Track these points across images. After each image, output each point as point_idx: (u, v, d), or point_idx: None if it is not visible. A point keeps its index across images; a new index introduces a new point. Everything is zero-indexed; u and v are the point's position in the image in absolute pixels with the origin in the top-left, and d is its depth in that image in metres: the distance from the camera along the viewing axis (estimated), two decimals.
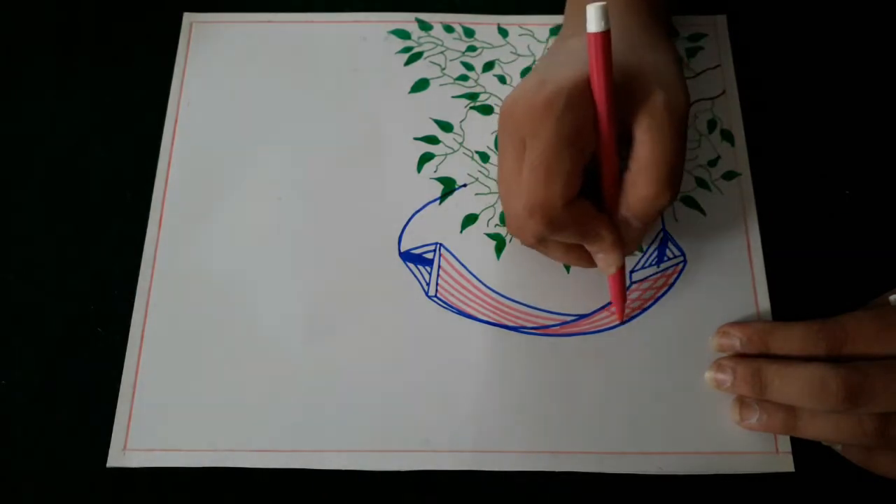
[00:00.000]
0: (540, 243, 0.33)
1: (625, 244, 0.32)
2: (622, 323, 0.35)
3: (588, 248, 0.33)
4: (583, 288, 0.36)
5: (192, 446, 0.33)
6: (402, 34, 0.42)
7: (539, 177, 0.30)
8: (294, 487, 0.33)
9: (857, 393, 0.29)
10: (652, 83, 0.30)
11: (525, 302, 0.36)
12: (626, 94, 0.30)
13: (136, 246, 0.37)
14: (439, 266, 0.37)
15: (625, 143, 0.31)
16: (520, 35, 0.42)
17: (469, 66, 0.41)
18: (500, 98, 0.40)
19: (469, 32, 0.42)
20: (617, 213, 0.32)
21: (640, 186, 0.30)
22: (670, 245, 0.37)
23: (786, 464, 0.33)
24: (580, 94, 0.29)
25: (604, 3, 0.28)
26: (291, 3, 0.43)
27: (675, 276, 0.36)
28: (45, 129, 0.40)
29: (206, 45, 0.42)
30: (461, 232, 0.37)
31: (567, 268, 0.37)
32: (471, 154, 0.39)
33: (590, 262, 0.34)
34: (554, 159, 0.29)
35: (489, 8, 0.43)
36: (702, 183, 0.39)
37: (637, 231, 0.32)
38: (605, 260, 0.33)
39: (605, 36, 0.28)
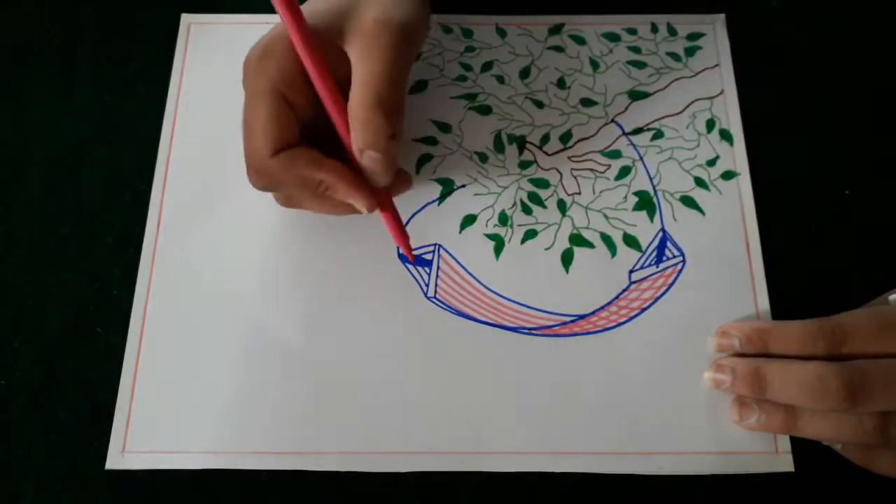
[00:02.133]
0: (282, 199, 0.34)
1: (373, 178, 0.32)
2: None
3: (331, 195, 0.32)
4: (582, 288, 0.36)
5: (191, 448, 0.33)
6: None
7: (245, 131, 0.31)
8: (293, 489, 0.33)
9: (856, 392, 0.29)
10: (364, 5, 0.30)
11: (524, 302, 0.36)
12: (339, 25, 0.30)
13: (135, 246, 0.37)
14: (438, 267, 0.37)
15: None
16: (518, 35, 0.42)
17: (467, 67, 0.41)
18: (498, 98, 0.41)
19: (467, 33, 0.42)
20: (352, 151, 0.31)
21: (353, 114, 0.30)
22: (669, 245, 0.37)
23: (786, 463, 0.33)
24: (276, 47, 0.30)
25: None
26: None
27: (675, 276, 0.36)
28: (45, 129, 0.40)
29: (204, 46, 0.42)
30: (460, 232, 0.37)
31: (566, 268, 0.37)
32: (469, 154, 0.39)
33: (348, 208, 0.34)
34: (252, 113, 0.30)
35: (487, 8, 0.43)
36: (700, 183, 0.38)
37: (378, 162, 0.31)
38: (356, 204, 0.32)
39: None
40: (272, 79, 0.30)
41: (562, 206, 0.38)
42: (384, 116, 0.30)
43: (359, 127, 0.30)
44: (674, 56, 0.42)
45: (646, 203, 0.38)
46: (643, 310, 0.36)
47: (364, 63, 0.30)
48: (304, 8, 0.29)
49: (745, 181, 0.38)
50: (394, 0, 0.31)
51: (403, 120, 0.32)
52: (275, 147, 0.31)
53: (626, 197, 0.38)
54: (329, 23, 0.31)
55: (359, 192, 0.32)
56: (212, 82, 0.41)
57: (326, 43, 0.30)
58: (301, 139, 0.32)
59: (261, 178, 0.32)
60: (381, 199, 0.33)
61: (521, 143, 0.40)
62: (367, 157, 0.31)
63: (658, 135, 0.40)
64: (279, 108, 0.30)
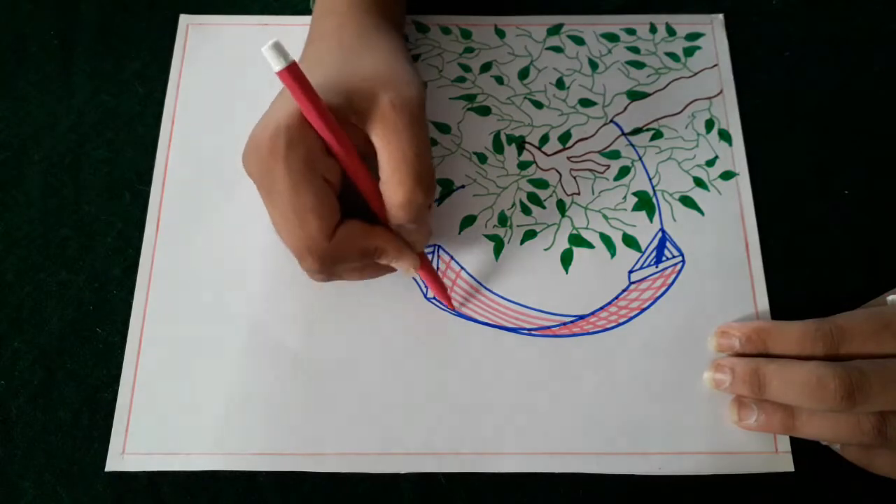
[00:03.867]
0: (328, 276, 0.33)
1: (412, 243, 0.32)
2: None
3: (378, 261, 0.33)
4: (581, 288, 0.36)
5: (191, 449, 0.33)
6: None
7: (291, 223, 0.30)
8: (293, 490, 0.33)
9: (854, 392, 0.29)
10: (375, 87, 0.30)
11: (523, 303, 0.36)
12: (354, 107, 0.30)
13: (134, 247, 0.37)
14: (437, 268, 0.37)
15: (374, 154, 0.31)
16: (517, 35, 0.42)
17: (466, 68, 0.41)
18: (497, 99, 0.41)
19: (466, 34, 0.42)
20: (388, 221, 0.32)
21: (391, 195, 0.30)
22: (668, 245, 0.37)
23: (785, 463, 0.33)
24: (299, 128, 0.29)
25: (275, 40, 0.27)
26: (291, 4, 0.43)
27: (674, 276, 0.36)
28: (44, 129, 0.40)
29: (202, 47, 0.42)
30: (459, 233, 0.37)
31: (566, 268, 0.37)
32: (469, 155, 0.39)
33: (385, 270, 0.34)
34: (296, 201, 0.29)
35: (486, 9, 0.43)
36: (700, 183, 0.39)
37: (416, 231, 0.32)
38: (400, 266, 0.33)
39: (292, 69, 0.28)
40: (307, 163, 0.29)
41: (561, 207, 0.38)
42: (422, 193, 0.30)
43: (398, 206, 0.30)
44: (673, 56, 0.42)
45: (645, 203, 0.38)
46: (643, 310, 0.36)
47: (392, 145, 0.30)
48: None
49: (744, 181, 0.38)
50: (400, 77, 0.31)
51: (435, 187, 0.32)
52: (331, 228, 0.30)
53: (625, 197, 0.38)
54: (343, 103, 0.30)
55: (405, 252, 0.32)
56: (210, 83, 0.41)
57: (343, 122, 0.30)
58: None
59: (322, 261, 0.31)
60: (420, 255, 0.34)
61: (521, 143, 0.40)
62: (406, 230, 0.32)
63: (657, 135, 0.40)
64: (324, 190, 0.30)
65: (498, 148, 0.39)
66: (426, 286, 0.36)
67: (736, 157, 0.39)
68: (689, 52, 0.42)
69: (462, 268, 0.37)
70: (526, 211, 0.38)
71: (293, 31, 0.42)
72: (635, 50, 0.42)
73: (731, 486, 0.33)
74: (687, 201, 0.38)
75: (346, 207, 0.31)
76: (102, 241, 0.37)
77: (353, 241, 0.31)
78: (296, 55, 0.29)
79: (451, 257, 0.37)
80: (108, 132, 0.40)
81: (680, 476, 0.33)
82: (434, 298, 0.36)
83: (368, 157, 0.31)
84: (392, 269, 0.34)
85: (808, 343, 0.32)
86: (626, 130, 0.40)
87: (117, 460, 0.33)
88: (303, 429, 0.33)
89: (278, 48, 0.27)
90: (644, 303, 0.36)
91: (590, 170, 0.39)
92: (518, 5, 0.43)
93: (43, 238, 0.38)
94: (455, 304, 0.36)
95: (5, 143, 0.40)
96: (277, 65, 0.27)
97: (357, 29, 0.34)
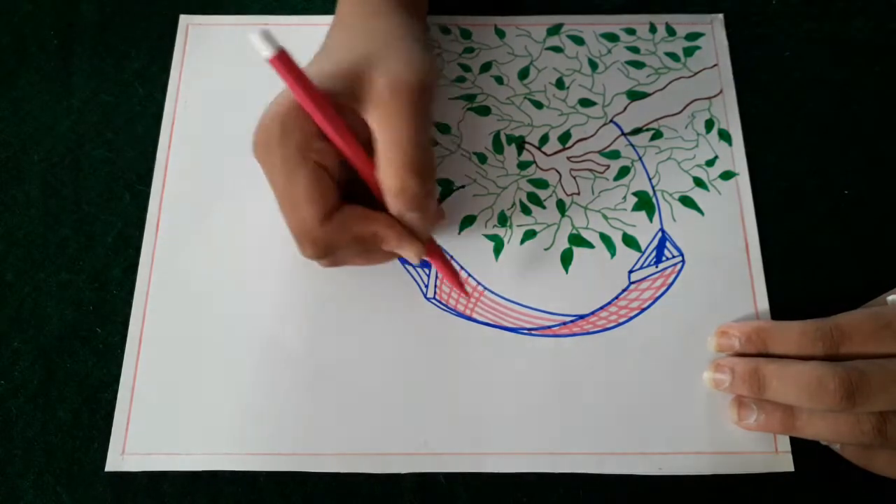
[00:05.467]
0: (331, 262, 0.32)
1: (415, 231, 0.32)
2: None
3: (381, 247, 0.32)
4: (582, 288, 0.36)
5: (190, 450, 0.33)
6: None
7: (286, 206, 0.30)
8: (293, 491, 0.33)
9: (854, 392, 0.29)
10: (373, 71, 0.30)
11: (524, 303, 0.36)
12: (355, 92, 0.30)
13: (134, 247, 0.37)
14: None
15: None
16: (517, 35, 0.42)
17: (466, 68, 0.41)
18: (497, 99, 0.41)
19: (466, 34, 0.42)
20: (390, 211, 0.31)
21: (387, 182, 0.30)
22: (668, 245, 0.37)
23: (785, 463, 0.33)
24: (294, 115, 0.29)
25: (263, 28, 0.26)
26: (290, 4, 0.43)
27: (674, 276, 0.36)
28: (44, 129, 0.40)
29: (202, 47, 0.42)
30: (459, 233, 0.37)
31: (566, 268, 0.37)
32: (469, 155, 0.39)
33: (394, 257, 0.34)
34: (290, 187, 0.29)
35: (486, 9, 0.43)
36: (700, 183, 0.39)
37: (418, 220, 0.31)
38: (404, 253, 0.32)
39: (282, 57, 0.27)
40: (301, 148, 0.29)
41: (561, 207, 0.38)
42: (418, 181, 0.29)
43: (394, 194, 0.30)
44: (672, 56, 0.42)
45: (645, 203, 0.38)
46: (643, 310, 0.36)
47: (387, 131, 0.29)
48: (312, 70, 0.28)
49: (744, 181, 0.38)
50: (403, 58, 0.31)
51: (435, 175, 0.31)
52: (324, 214, 0.30)
53: (625, 197, 0.38)
54: (341, 88, 0.30)
55: (408, 240, 0.32)
56: (210, 83, 0.41)
57: (343, 109, 0.30)
58: (340, 197, 0.31)
59: (317, 247, 0.31)
60: (428, 243, 0.33)
61: (520, 143, 0.40)
62: (408, 217, 0.31)
63: (657, 135, 0.40)
64: (317, 175, 0.30)
65: (498, 148, 0.39)
66: (426, 286, 0.36)
67: (736, 157, 0.39)
68: (688, 52, 0.42)
69: (462, 268, 0.37)
70: (526, 211, 0.38)
71: (293, 31, 0.42)
72: (635, 50, 0.42)
73: (731, 486, 0.33)
74: (687, 201, 0.38)
75: (352, 193, 0.31)
76: (102, 241, 0.37)
77: (350, 227, 0.31)
78: (295, 54, 0.29)
79: (451, 257, 0.37)
80: (108, 132, 0.40)
81: (680, 476, 0.33)
82: (434, 298, 0.36)
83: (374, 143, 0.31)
84: (395, 257, 0.34)
85: (808, 343, 0.32)
86: (626, 130, 0.40)
87: (117, 460, 0.33)
88: (303, 429, 0.33)
89: (266, 34, 0.27)
90: (644, 303, 0.36)
91: (590, 170, 0.39)
92: (518, 5, 0.43)
93: (43, 238, 0.38)
94: (455, 301, 0.36)
95: (5, 143, 0.40)
96: (268, 52, 0.27)
97: (368, 15, 0.34)
